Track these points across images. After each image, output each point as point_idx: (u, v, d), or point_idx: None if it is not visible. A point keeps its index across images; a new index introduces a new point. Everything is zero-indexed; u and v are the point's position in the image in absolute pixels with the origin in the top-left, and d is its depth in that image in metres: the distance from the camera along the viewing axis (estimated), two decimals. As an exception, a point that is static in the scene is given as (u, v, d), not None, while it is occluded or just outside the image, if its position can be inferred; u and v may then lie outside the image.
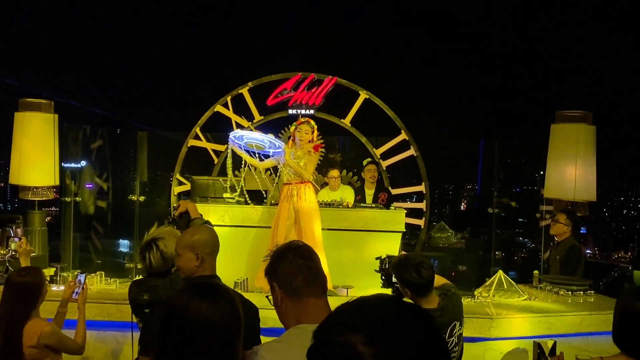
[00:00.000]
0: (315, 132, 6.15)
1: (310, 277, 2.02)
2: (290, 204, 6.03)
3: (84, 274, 3.88)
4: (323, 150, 8.27)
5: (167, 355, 1.83)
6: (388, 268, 3.68)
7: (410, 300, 3.15)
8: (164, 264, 3.10)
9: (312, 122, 6.18)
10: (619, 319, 2.53)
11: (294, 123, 6.23)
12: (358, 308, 0.95)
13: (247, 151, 6.04)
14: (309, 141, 6.04)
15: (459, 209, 14.01)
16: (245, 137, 6.16)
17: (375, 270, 3.87)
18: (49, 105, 6.89)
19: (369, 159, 7.62)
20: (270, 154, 6.07)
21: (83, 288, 3.80)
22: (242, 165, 6.08)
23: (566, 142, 6.73)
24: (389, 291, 3.81)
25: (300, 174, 6.01)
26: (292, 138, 6.15)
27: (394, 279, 3.55)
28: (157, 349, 1.87)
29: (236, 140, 6.07)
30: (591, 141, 6.73)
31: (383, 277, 3.76)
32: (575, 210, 6.36)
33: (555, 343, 3.92)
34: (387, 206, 6.92)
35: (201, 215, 3.84)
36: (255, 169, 6.12)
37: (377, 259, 3.91)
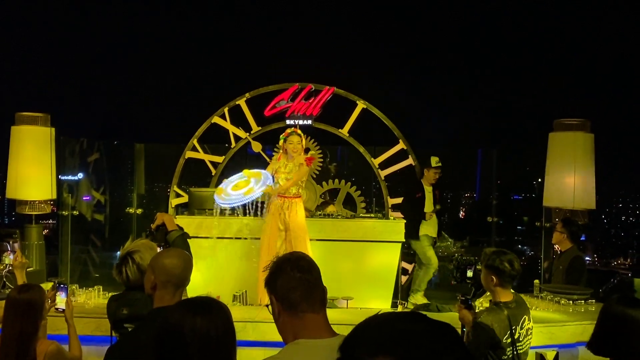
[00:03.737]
0: (304, 140, 6.16)
1: (309, 291, 1.97)
2: (282, 217, 6.00)
3: (66, 286, 3.82)
4: (321, 161, 8.25)
5: None
6: (464, 266, 4.00)
7: (499, 288, 3.49)
8: (142, 276, 3.04)
9: (299, 131, 6.20)
10: (607, 328, 2.69)
11: (282, 135, 6.22)
12: (387, 326, 0.94)
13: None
14: (302, 150, 6.06)
15: (458, 218, 14.01)
16: (226, 185, 6.18)
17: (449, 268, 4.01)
18: (45, 119, 6.87)
19: (438, 159, 7.37)
20: (258, 187, 6.05)
21: (68, 302, 3.76)
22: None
23: (565, 150, 6.73)
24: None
25: (290, 187, 6.01)
26: (283, 150, 6.15)
27: (468, 274, 3.93)
28: None
29: (222, 202, 6.13)
30: (590, 149, 6.72)
31: (458, 274, 4.03)
32: (573, 219, 6.35)
33: (557, 353, 3.90)
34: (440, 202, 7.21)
35: (179, 226, 3.80)
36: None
37: (452, 257, 4.16)
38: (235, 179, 6.20)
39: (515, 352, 3.47)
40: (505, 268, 3.43)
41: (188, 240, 3.73)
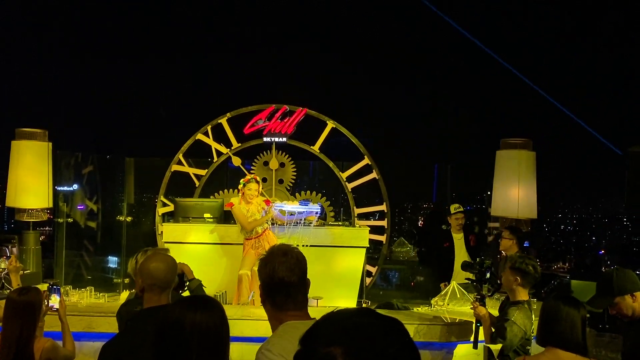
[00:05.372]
0: (261, 186, 6.23)
1: (291, 294, 1.99)
2: (260, 250, 5.95)
3: (58, 287, 3.77)
4: (294, 174, 8.25)
5: None
6: (484, 268, 4.24)
7: (520, 287, 3.72)
8: None
9: (258, 178, 6.26)
10: (546, 319, 2.82)
11: (242, 181, 6.20)
12: (341, 321, 0.97)
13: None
14: (258, 195, 6.14)
15: (417, 226, 14.09)
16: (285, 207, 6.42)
17: (467, 269, 4.41)
18: (43, 135, 6.79)
19: (457, 205, 6.76)
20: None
21: (61, 301, 3.71)
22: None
23: (510, 166, 6.85)
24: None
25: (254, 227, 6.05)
26: (241, 194, 6.12)
27: (487, 276, 4.15)
28: None
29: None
30: (532, 165, 6.86)
31: (477, 275, 4.21)
32: (518, 226, 6.45)
33: (503, 346, 3.95)
34: (476, 248, 6.59)
35: (195, 278, 3.80)
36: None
37: (471, 262, 4.55)
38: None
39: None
40: (530, 271, 3.68)
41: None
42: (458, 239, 6.71)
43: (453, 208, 6.75)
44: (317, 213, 6.38)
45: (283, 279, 1.96)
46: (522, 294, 3.75)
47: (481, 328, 4.02)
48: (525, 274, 3.69)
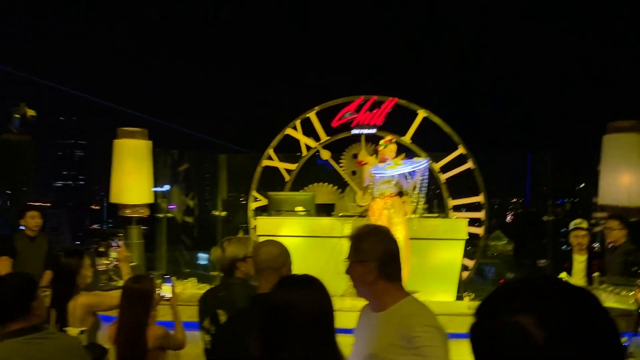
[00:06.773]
0: (396, 148, 6.17)
1: (399, 266, 2.10)
2: (389, 213, 5.94)
3: (170, 277, 3.88)
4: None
5: (276, 349, 1.75)
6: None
7: None
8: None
9: (394, 141, 6.19)
10: None
11: (382, 142, 6.14)
12: (527, 288, 0.89)
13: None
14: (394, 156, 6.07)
15: (505, 222, 13.61)
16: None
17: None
18: (143, 133, 7.09)
19: (578, 221, 5.74)
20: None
21: (173, 291, 3.81)
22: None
23: (619, 151, 6.49)
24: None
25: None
26: (377, 154, 6.13)
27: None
28: (260, 347, 1.78)
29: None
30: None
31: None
32: (626, 215, 6.00)
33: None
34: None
35: None
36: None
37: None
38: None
39: None
40: None
41: None
42: (579, 261, 5.56)
43: (573, 224, 5.72)
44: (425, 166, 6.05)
45: (394, 250, 2.09)
46: None
47: None
48: None
